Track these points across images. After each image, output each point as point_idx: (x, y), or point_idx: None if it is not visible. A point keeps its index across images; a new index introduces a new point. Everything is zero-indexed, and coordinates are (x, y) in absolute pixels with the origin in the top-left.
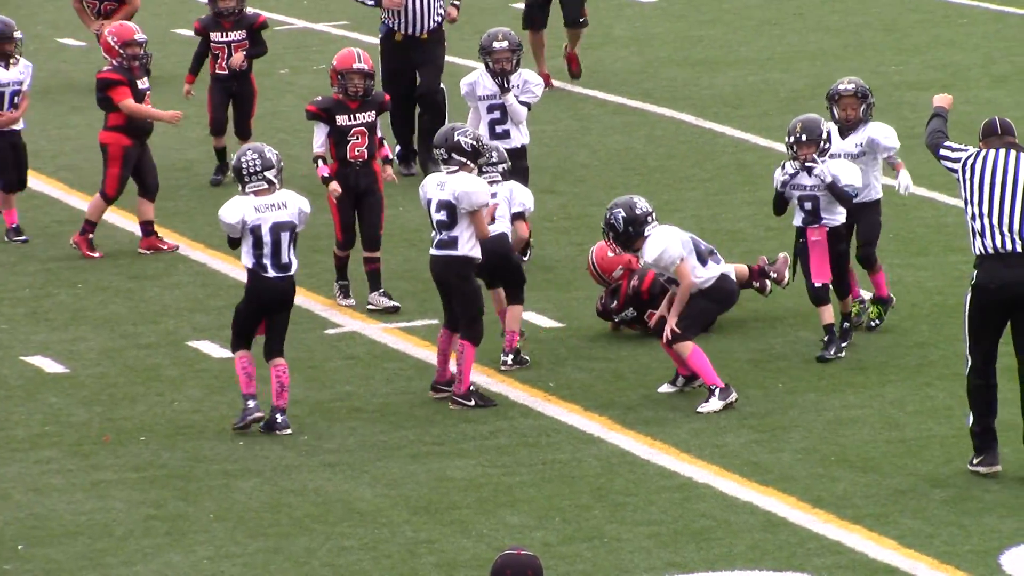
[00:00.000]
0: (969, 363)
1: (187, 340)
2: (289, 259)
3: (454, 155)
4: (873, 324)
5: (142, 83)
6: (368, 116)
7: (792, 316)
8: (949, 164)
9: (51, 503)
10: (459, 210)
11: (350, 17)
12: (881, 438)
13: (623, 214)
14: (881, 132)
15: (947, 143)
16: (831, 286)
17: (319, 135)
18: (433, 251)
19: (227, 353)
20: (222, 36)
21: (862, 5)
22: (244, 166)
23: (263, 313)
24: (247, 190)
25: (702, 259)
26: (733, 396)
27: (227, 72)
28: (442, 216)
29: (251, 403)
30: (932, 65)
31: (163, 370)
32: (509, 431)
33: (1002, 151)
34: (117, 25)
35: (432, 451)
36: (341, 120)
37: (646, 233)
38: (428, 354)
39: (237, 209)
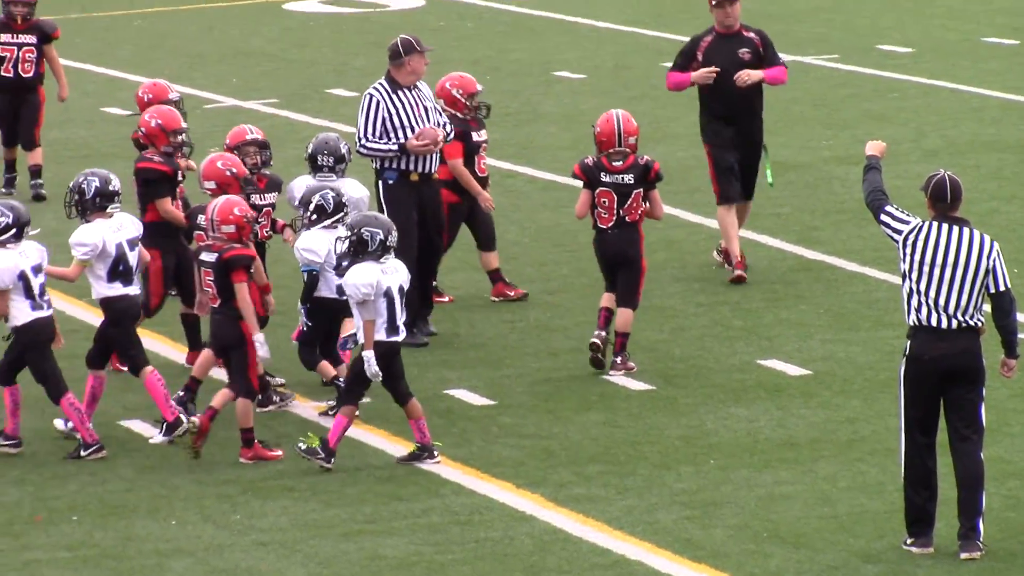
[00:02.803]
0: (904, 445)
1: (118, 419)
2: None
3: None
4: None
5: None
6: (272, 197)
7: (723, 392)
8: (889, 232)
9: None
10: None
11: (279, 95)
12: (813, 514)
13: (97, 183)
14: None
15: (888, 207)
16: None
17: None
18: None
19: (159, 432)
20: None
21: (791, 80)
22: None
23: None
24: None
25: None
26: (181, 430)
27: None
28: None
29: None
30: (862, 140)
31: None
32: (441, 509)
33: (945, 227)
34: (459, 76)
35: (364, 529)
36: (253, 200)
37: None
38: (360, 432)
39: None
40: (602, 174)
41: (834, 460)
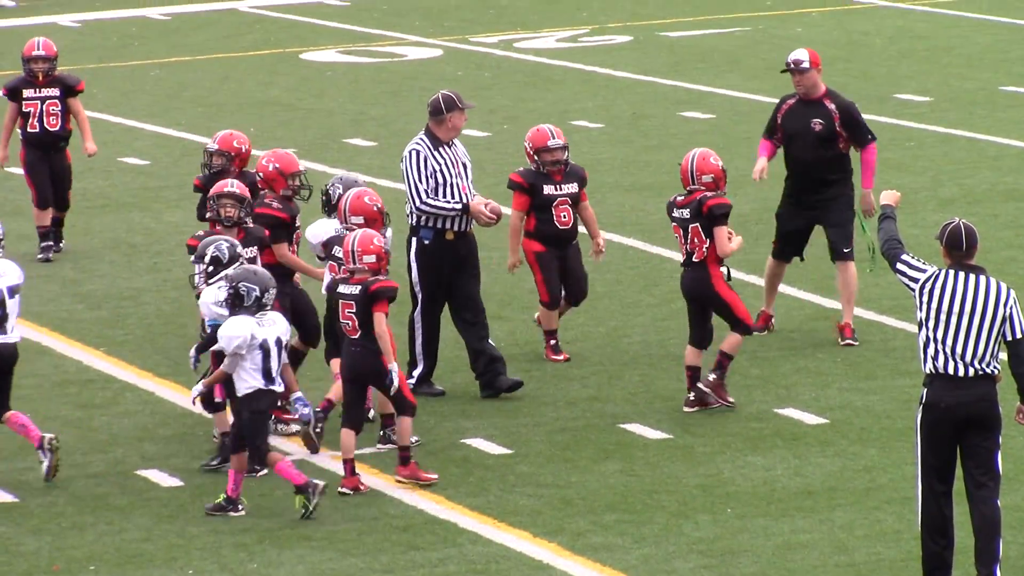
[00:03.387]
0: (920, 494)
1: (136, 469)
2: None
3: None
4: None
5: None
6: (252, 251)
7: (740, 441)
8: (906, 280)
9: None
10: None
11: (297, 144)
12: (831, 562)
13: None
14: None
15: (905, 256)
16: None
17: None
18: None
19: (177, 481)
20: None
21: None
22: None
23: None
24: None
25: None
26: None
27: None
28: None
29: None
30: (879, 188)
31: (112, 499)
32: (458, 558)
33: (962, 275)
34: (534, 130)
35: None
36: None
37: None
38: (376, 482)
39: None
40: (673, 210)
41: (851, 509)
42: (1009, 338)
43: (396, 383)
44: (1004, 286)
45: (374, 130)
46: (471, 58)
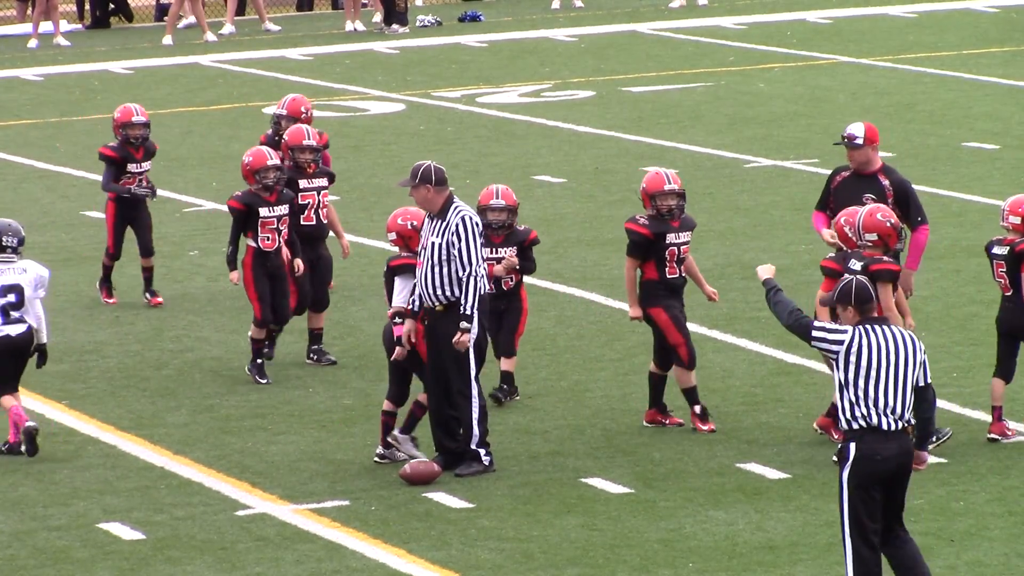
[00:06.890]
0: (851, 550)
1: (97, 522)
2: None
3: None
4: None
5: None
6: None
7: (702, 496)
8: (826, 346)
9: None
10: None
11: None
12: None
13: None
14: None
15: (816, 323)
16: None
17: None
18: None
19: (138, 535)
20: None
21: (771, 185)
22: None
23: None
24: None
25: None
26: None
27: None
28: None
29: None
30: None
31: (73, 552)
32: None
33: (876, 328)
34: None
35: None
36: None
37: None
38: (338, 535)
39: None
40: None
41: (813, 564)
42: (921, 384)
43: None
44: (910, 333)
45: (336, 184)
46: (434, 113)
